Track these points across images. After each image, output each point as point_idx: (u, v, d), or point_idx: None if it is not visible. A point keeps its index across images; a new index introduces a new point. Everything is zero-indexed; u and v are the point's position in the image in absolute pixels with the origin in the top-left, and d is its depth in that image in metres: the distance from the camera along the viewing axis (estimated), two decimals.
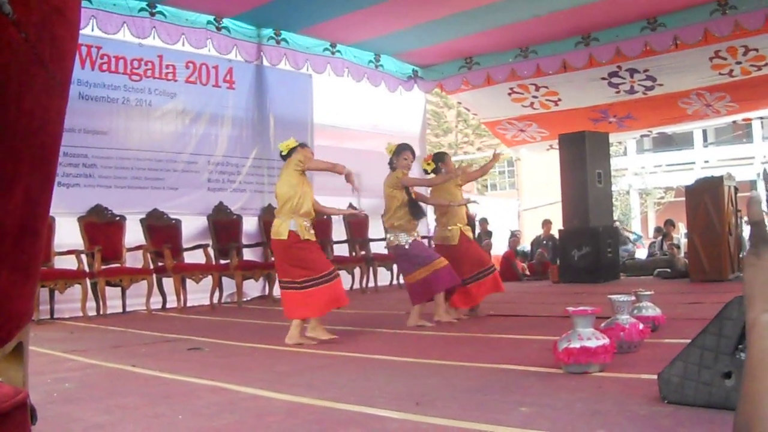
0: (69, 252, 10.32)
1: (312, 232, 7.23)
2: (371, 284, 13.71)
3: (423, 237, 9.32)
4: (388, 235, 8.37)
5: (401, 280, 11.39)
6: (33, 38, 1.16)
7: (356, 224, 14.09)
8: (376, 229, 14.22)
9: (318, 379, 4.98)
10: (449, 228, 8.74)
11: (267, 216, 12.99)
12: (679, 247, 15.73)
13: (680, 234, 19.16)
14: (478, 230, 19.45)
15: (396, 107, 16.17)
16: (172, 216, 11.88)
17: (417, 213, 8.32)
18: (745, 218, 10.86)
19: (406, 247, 8.16)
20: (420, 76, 16.37)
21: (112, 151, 11.56)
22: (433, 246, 9.03)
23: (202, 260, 11.52)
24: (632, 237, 19.45)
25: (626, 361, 4.96)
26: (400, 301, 8.81)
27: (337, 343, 6.90)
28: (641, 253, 19.59)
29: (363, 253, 13.79)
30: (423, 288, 8.12)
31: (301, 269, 7.03)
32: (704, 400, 3.54)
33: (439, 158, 9.09)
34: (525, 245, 20.15)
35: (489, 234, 19.42)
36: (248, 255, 12.55)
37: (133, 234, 11.34)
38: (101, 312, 10.41)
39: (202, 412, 4.06)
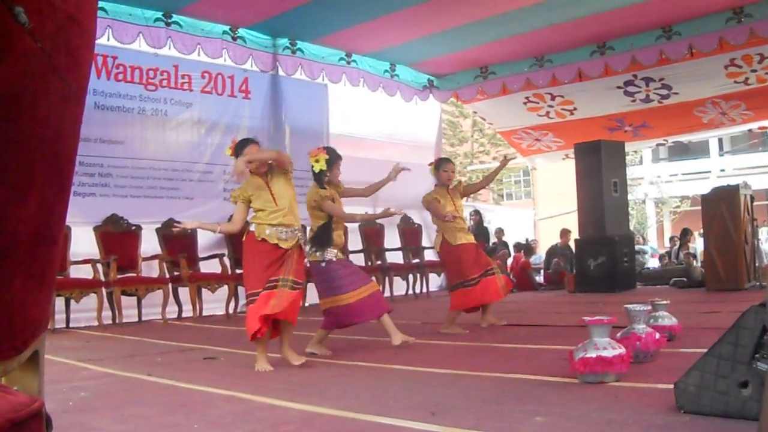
0: (85, 261, 10.36)
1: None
2: (387, 294, 13.72)
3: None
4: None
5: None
6: (49, 47, 1.17)
7: (371, 232, 14.12)
8: (390, 238, 14.30)
9: (333, 389, 4.98)
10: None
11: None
12: (695, 257, 15.65)
13: (696, 243, 19.09)
14: (493, 240, 19.42)
15: (412, 117, 16.18)
16: None
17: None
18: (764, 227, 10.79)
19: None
20: (435, 86, 16.37)
21: (127, 160, 11.62)
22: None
23: (218, 270, 11.55)
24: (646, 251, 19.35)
25: (642, 371, 4.93)
26: (423, 310, 8.78)
27: (351, 352, 6.89)
28: (653, 263, 19.54)
29: (379, 262, 13.82)
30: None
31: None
32: (721, 409, 3.52)
33: (437, 165, 8.85)
34: (540, 254, 20.11)
35: (504, 244, 19.38)
36: None
37: (149, 243, 11.37)
38: (117, 321, 10.44)
39: (218, 422, 4.06)
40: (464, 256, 8.53)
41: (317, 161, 7.11)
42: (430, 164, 8.97)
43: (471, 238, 8.73)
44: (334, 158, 7.20)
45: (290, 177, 6.62)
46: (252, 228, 6.60)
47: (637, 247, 19.02)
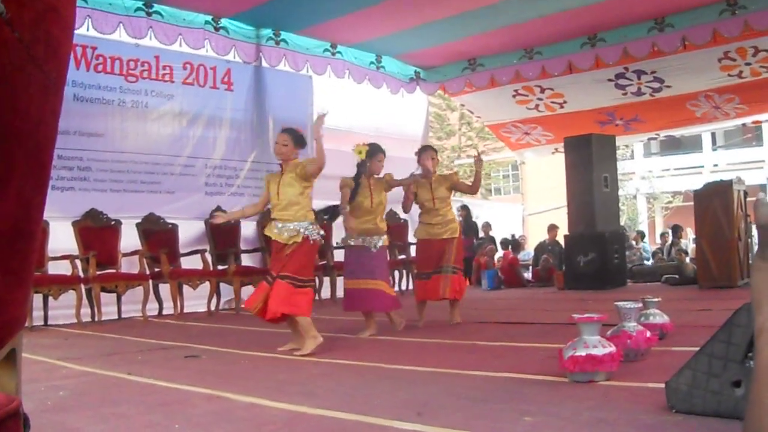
0: (63, 257, 10.32)
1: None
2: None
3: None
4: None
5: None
6: (27, 38, 1.17)
7: (395, 228, 14.20)
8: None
9: (318, 388, 4.98)
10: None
11: (265, 221, 12.98)
12: (687, 253, 15.71)
13: (688, 239, 19.17)
14: (481, 235, 19.45)
15: (398, 109, 16.19)
16: (169, 220, 11.90)
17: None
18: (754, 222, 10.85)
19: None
20: (422, 78, 16.38)
21: (107, 153, 11.58)
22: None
23: (200, 266, 11.53)
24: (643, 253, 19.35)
25: (633, 370, 4.95)
26: (407, 307, 8.79)
27: (337, 350, 6.90)
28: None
29: (403, 257, 13.96)
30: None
31: None
32: (713, 409, 3.54)
33: (420, 151, 8.98)
34: (529, 251, 20.13)
35: (491, 239, 19.39)
36: (246, 261, 12.56)
37: (129, 239, 11.35)
38: (96, 318, 10.42)
39: (199, 422, 4.05)
40: (421, 249, 8.99)
41: (360, 152, 8.19)
42: (416, 153, 9.01)
43: (439, 233, 8.76)
44: (374, 151, 8.21)
45: (302, 175, 7.09)
46: None
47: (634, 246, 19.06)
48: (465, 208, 18.99)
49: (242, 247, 12.60)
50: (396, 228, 14.85)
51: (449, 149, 36.34)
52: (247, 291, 12.10)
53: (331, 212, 8.41)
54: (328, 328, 7.44)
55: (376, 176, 8.25)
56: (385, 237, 8.16)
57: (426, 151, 8.83)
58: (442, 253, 8.72)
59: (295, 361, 6.39)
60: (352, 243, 8.06)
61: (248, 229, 12.96)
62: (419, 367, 5.61)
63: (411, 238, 14.97)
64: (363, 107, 15.45)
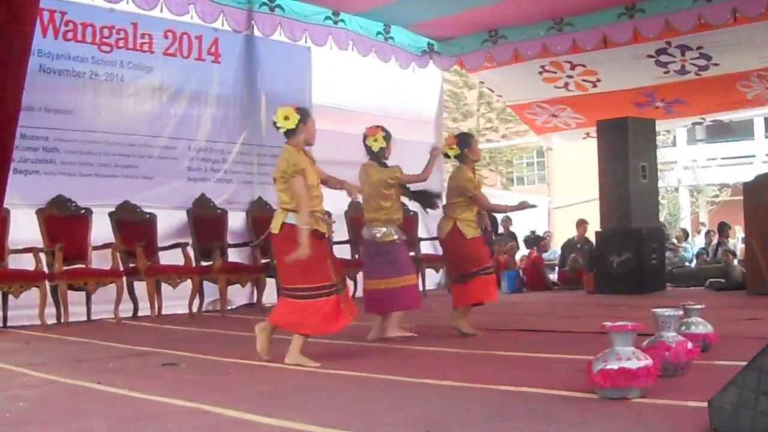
0: (26, 250, 10.33)
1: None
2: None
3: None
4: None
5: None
6: None
7: (359, 221, 14.09)
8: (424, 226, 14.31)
9: (312, 402, 4.98)
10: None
11: (256, 211, 13.02)
12: (735, 254, 15.69)
13: (737, 239, 19.13)
14: (500, 230, 19.41)
15: (408, 87, 16.15)
16: (146, 210, 11.89)
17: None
18: None
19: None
20: (436, 51, 16.34)
21: (77, 133, 11.57)
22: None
23: (181, 261, 11.52)
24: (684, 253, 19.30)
25: (672, 386, 4.95)
26: (418, 311, 8.79)
27: (334, 359, 6.90)
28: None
29: (412, 253, 13.92)
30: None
31: None
32: (762, 431, 3.53)
33: (465, 142, 8.99)
34: (555, 249, 20.11)
35: (512, 235, 19.34)
36: (234, 256, 12.55)
37: (101, 230, 11.34)
38: (62, 320, 10.41)
39: None
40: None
41: (376, 140, 8.41)
42: (449, 139, 9.06)
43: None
44: (389, 135, 8.50)
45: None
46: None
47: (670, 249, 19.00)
48: None
49: (229, 240, 12.60)
50: (404, 221, 14.79)
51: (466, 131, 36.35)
52: (233, 291, 12.15)
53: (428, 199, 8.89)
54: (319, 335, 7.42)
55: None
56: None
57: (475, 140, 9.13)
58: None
59: (287, 370, 6.39)
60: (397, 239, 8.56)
61: (236, 220, 12.96)
62: (428, 380, 5.61)
63: (421, 233, 14.99)
64: (368, 84, 15.41)
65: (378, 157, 8.44)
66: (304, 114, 7.06)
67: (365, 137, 8.50)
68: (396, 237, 8.44)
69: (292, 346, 6.73)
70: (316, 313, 6.73)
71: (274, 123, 6.99)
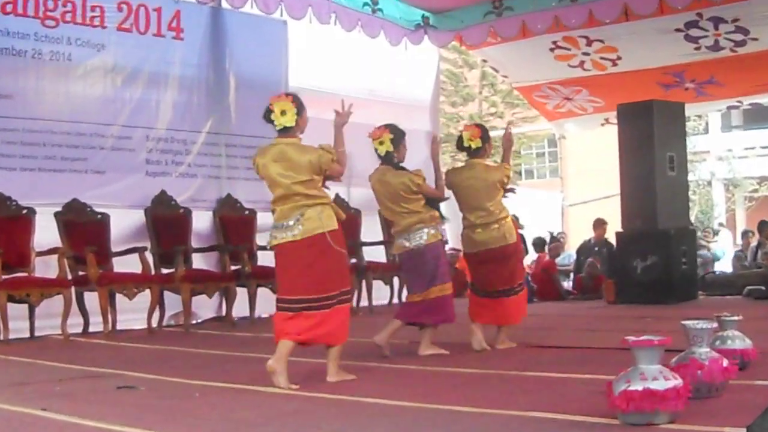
0: None
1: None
2: (364, 302, 13.73)
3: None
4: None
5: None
6: None
7: (345, 222, 14.04)
8: (370, 230, 14.18)
9: (290, 430, 4.98)
10: None
11: (224, 210, 13.02)
12: None
13: None
14: None
15: (399, 66, 16.16)
16: (98, 209, 11.87)
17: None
18: None
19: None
20: (432, 25, 16.34)
21: (17, 121, 11.54)
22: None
23: (138, 269, 11.50)
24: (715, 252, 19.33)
25: (705, 409, 4.95)
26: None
27: (317, 380, 6.90)
28: (722, 265, 19.60)
29: (354, 261, 13.77)
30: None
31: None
32: None
33: (487, 135, 9.13)
34: (570, 253, 20.14)
35: (521, 238, 19.32)
36: (199, 263, 12.54)
37: (45, 233, 11.31)
38: (2, 337, 10.40)
39: None
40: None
41: (381, 143, 8.47)
42: (471, 129, 9.12)
43: None
44: (399, 135, 8.55)
45: None
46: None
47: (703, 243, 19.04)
48: None
49: (194, 244, 12.58)
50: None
51: (466, 118, 36.32)
52: (199, 302, 12.12)
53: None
54: (298, 352, 7.41)
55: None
56: None
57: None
58: None
59: (261, 394, 6.39)
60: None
61: (202, 220, 12.94)
62: (426, 404, 5.62)
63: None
64: (353, 63, 15.42)
65: (389, 159, 8.51)
66: (300, 105, 7.18)
67: (372, 140, 8.59)
68: (441, 236, 8.63)
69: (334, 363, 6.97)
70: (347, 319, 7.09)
71: (268, 116, 7.01)
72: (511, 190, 9.35)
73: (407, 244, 8.49)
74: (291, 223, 6.94)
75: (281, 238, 6.94)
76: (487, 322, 8.80)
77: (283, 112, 6.95)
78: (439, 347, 8.45)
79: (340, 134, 7.48)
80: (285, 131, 7.03)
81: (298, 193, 6.96)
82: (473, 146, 8.80)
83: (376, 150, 8.56)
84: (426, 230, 8.43)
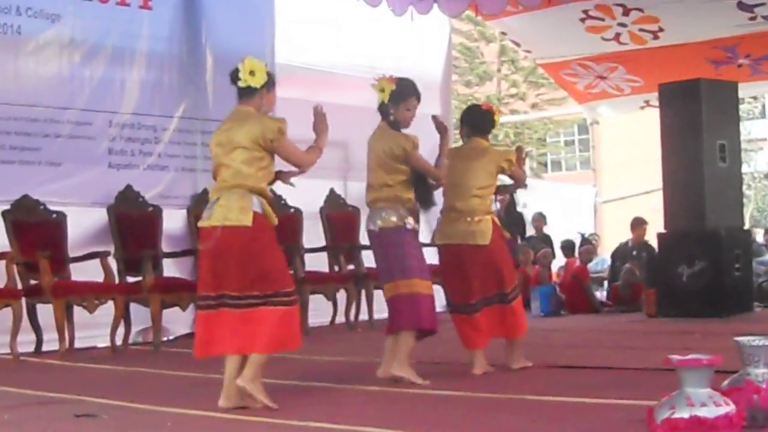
0: None
1: None
2: (364, 316, 13.71)
3: None
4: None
5: None
6: None
7: (340, 221, 14.05)
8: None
9: None
10: None
11: (200, 208, 12.87)
12: None
13: None
14: (530, 232, 19.40)
15: (405, 40, 16.14)
16: (53, 207, 11.87)
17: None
18: None
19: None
20: None
21: None
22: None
23: (100, 277, 11.51)
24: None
25: None
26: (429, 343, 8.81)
27: (309, 406, 6.92)
28: None
29: (351, 267, 13.76)
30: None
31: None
32: None
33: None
34: (604, 257, 20.14)
35: (547, 239, 19.32)
36: (171, 269, 12.54)
37: None
38: None
39: None
40: None
41: (382, 90, 8.28)
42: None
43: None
44: (404, 93, 8.33)
45: None
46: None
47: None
48: (498, 191, 18.83)
49: (165, 248, 12.59)
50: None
51: (483, 100, 36.34)
52: (170, 315, 12.11)
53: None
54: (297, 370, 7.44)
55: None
56: None
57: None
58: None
59: (240, 422, 6.40)
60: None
61: (173, 220, 12.93)
62: None
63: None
64: (350, 37, 15.45)
65: (384, 113, 8.34)
66: (272, 79, 7.24)
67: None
68: (403, 223, 8.22)
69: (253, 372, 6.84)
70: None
71: (235, 74, 7.08)
72: (507, 189, 9.11)
73: (370, 225, 8.36)
74: (210, 205, 7.12)
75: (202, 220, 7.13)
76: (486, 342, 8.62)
77: (252, 72, 6.98)
78: (414, 373, 8.03)
79: (322, 138, 7.45)
80: (247, 95, 7.12)
81: (229, 167, 7.00)
82: (497, 123, 8.92)
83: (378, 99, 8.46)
84: (384, 213, 8.20)
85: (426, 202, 8.51)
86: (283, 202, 12.53)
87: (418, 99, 8.42)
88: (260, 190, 6.95)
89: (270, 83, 7.15)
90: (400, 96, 8.26)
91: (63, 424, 6.57)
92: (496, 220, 8.80)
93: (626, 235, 18.72)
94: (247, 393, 6.75)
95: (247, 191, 6.91)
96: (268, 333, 6.78)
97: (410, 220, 8.22)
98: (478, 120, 8.93)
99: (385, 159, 8.15)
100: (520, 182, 9.16)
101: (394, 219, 8.15)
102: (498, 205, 17.60)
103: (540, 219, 19.92)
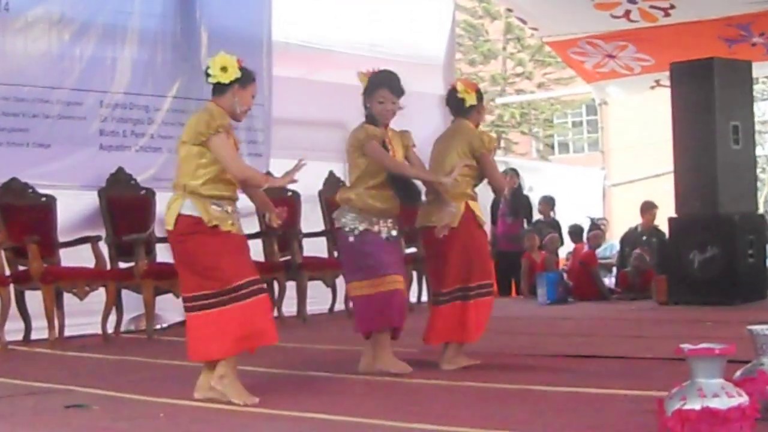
0: None
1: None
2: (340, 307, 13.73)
3: None
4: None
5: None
6: None
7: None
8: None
9: None
10: None
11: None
12: None
13: None
14: (537, 216, 19.35)
15: (407, 16, 16.14)
16: (42, 190, 11.86)
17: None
18: None
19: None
20: None
21: None
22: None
23: (91, 263, 11.51)
24: None
25: None
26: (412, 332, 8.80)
27: (308, 397, 6.92)
28: None
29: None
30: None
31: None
32: None
33: (482, 97, 8.97)
34: (613, 243, 20.12)
35: (555, 224, 19.29)
36: (164, 255, 12.52)
37: None
38: None
39: None
40: None
41: (362, 81, 8.22)
42: (466, 83, 8.99)
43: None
44: (374, 85, 8.15)
45: None
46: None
47: None
48: (512, 173, 18.80)
49: (158, 233, 12.57)
50: None
51: (488, 80, 36.30)
52: (164, 302, 12.11)
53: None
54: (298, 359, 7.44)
55: (393, 128, 8.33)
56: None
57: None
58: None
59: (239, 414, 6.40)
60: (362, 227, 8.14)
61: (167, 204, 12.89)
62: (439, 426, 5.63)
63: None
64: (350, 13, 15.41)
65: (364, 107, 8.28)
66: (247, 75, 7.12)
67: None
68: (358, 226, 8.11)
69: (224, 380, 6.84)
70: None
71: (206, 71, 7.07)
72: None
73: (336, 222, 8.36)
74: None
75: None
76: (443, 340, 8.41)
77: (223, 68, 6.96)
78: (396, 364, 8.01)
79: (276, 180, 7.55)
80: (218, 91, 7.12)
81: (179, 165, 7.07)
82: (467, 101, 8.49)
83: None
84: (336, 212, 8.33)
85: (411, 200, 8.38)
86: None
87: (392, 90, 8.20)
88: (192, 189, 6.96)
89: (245, 80, 7.05)
90: (370, 89, 8.21)
91: (52, 415, 6.57)
92: (473, 204, 8.49)
93: (636, 219, 18.68)
94: (219, 392, 6.79)
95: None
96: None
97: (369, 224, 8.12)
98: (451, 101, 8.73)
99: (352, 153, 8.17)
100: (484, 168, 8.59)
101: (343, 220, 8.17)
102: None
103: (546, 203, 19.73)
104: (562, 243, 18.42)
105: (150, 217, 12.51)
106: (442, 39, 17.23)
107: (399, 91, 8.19)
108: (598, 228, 19.61)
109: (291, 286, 12.98)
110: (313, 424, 5.95)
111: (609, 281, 17.67)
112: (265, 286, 7.25)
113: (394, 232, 8.21)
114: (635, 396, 6.32)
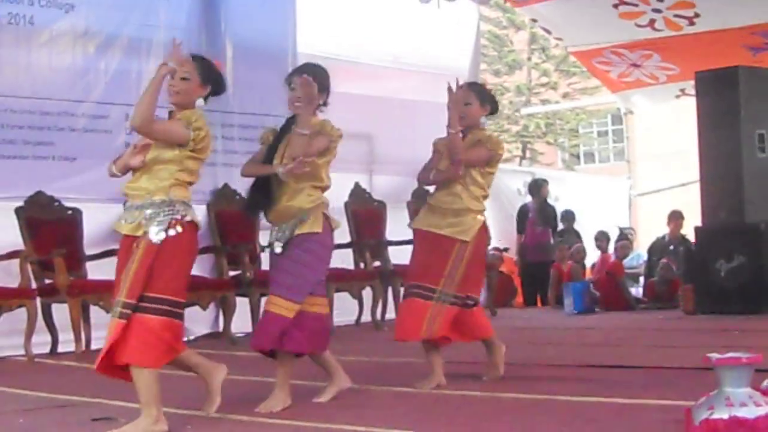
0: None
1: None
2: (391, 315, 13.67)
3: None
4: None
5: None
6: None
7: (366, 216, 14.01)
8: (398, 226, 14.11)
9: None
10: None
11: (220, 204, 12.94)
12: None
13: None
14: (561, 226, 19.30)
15: (431, 28, 16.13)
16: (68, 204, 11.89)
17: None
18: None
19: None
20: None
21: None
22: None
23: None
24: None
25: None
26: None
27: (328, 409, 6.91)
28: None
29: (377, 264, 13.72)
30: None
31: None
32: None
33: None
34: (640, 252, 20.06)
35: (576, 234, 19.22)
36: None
37: (4, 233, 11.35)
38: None
39: None
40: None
41: None
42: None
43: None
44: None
45: None
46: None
47: None
48: (538, 183, 18.77)
49: None
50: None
51: (513, 90, 36.29)
52: (192, 315, 12.08)
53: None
54: (322, 371, 7.42)
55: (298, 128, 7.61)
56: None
57: None
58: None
59: (266, 426, 6.40)
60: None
61: None
62: None
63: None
64: (374, 25, 15.41)
65: None
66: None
67: None
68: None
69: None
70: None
71: None
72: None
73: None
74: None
75: None
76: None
77: None
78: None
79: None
80: None
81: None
82: None
83: None
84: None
85: (250, 211, 8.38)
86: None
87: (309, 77, 7.54)
88: None
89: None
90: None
91: (80, 428, 6.58)
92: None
93: (662, 229, 18.66)
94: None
95: None
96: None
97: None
98: None
99: None
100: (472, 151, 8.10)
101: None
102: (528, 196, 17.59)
103: (570, 215, 19.55)
104: (586, 253, 18.37)
105: None
106: (467, 50, 17.23)
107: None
108: (626, 238, 19.58)
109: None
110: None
111: (636, 291, 17.61)
112: None
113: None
114: (663, 406, 6.30)
